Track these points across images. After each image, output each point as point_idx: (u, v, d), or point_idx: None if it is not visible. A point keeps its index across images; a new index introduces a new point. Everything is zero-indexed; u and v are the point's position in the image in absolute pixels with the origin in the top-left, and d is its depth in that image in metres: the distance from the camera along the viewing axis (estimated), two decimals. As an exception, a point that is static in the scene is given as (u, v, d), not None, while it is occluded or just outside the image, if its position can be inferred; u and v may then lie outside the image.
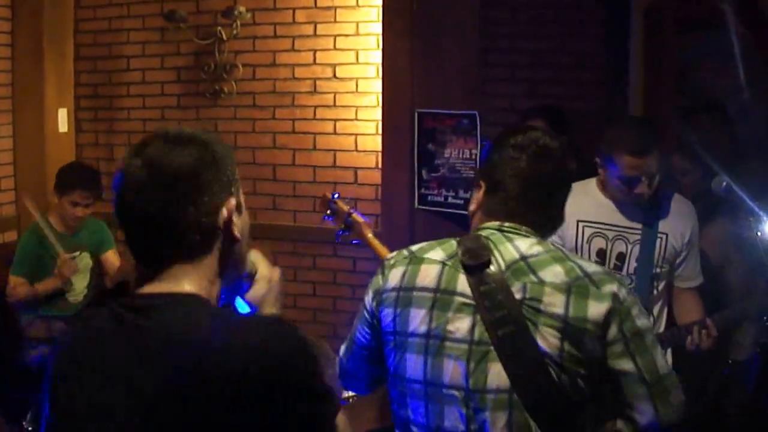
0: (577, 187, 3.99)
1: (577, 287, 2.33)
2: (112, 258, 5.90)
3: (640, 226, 3.93)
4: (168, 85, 6.84)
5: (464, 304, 2.38)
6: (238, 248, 1.95)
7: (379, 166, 6.19)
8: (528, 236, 2.47)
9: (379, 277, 2.59)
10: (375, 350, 2.61)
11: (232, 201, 1.89)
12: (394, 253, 2.64)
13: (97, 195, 5.62)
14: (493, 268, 2.38)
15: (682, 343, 3.80)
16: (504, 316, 2.30)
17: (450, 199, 5.69)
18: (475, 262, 2.39)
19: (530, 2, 5.77)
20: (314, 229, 6.41)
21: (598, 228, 3.96)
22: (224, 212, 1.87)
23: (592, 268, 2.42)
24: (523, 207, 2.49)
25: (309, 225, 6.46)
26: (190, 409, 1.69)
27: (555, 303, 2.30)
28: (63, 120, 6.88)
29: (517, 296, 2.33)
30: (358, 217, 3.58)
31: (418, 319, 2.43)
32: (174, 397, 1.70)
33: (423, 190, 5.82)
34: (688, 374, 3.85)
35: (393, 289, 2.51)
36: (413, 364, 2.42)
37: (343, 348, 2.78)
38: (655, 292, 3.95)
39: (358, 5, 6.25)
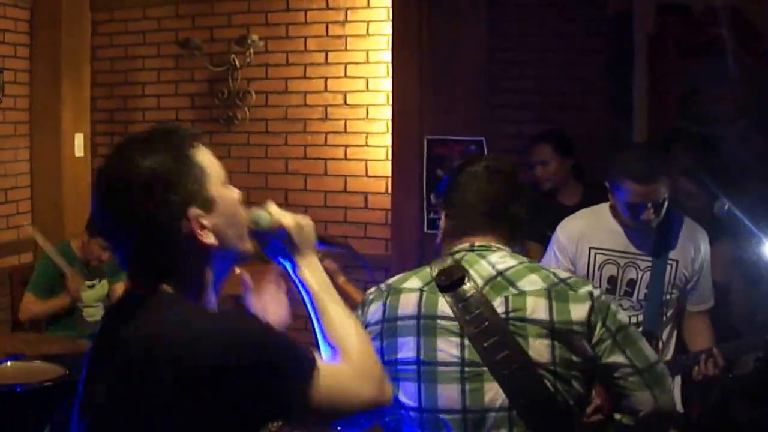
0: (589, 213, 4.11)
1: (556, 292, 2.39)
2: (119, 290, 5.89)
3: (651, 252, 3.91)
4: (182, 111, 6.96)
5: (448, 325, 2.41)
6: (219, 245, 1.90)
7: (389, 191, 6.26)
8: (498, 250, 2.53)
9: (359, 312, 2.58)
10: None
11: (193, 212, 1.84)
12: (373, 289, 2.65)
13: None
14: (469, 284, 2.42)
15: (689, 372, 3.77)
16: (487, 328, 2.34)
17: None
18: (450, 281, 2.44)
19: (536, 31, 5.85)
20: (325, 253, 6.46)
21: (610, 255, 3.95)
22: (187, 226, 1.84)
23: (564, 274, 2.51)
24: (484, 216, 2.56)
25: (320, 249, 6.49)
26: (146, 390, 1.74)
27: (539, 310, 2.35)
28: (79, 144, 6.97)
29: (500, 310, 2.37)
30: (329, 263, 3.43)
31: (406, 348, 2.45)
32: (131, 380, 1.76)
33: (432, 215, 5.90)
34: (689, 387, 3.92)
35: (376, 323, 2.53)
36: (406, 392, 2.43)
37: None
38: (664, 318, 3.94)
39: (368, 34, 6.36)
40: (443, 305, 2.44)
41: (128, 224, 1.84)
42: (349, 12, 6.42)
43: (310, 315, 2.13)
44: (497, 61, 5.89)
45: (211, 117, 6.83)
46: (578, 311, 2.37)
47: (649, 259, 3.92)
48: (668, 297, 3.93)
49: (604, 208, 4.03)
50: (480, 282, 2.44)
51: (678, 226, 3.98)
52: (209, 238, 1.86)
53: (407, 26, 5.99)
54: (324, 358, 2.01)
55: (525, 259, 2.55)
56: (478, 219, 2.57)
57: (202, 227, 1.85)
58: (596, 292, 2.43)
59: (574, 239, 4.02)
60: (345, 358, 2.01)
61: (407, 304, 2.50)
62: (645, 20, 5.56)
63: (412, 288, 2.53)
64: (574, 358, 2.35)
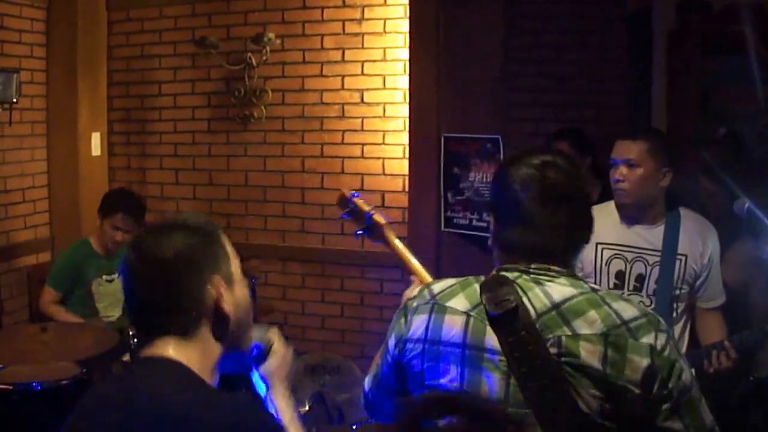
0: (596, 209, 4.05)
1: (615, 337, 2.14)
2: None
3: (659, 247, 3.90)
4: (199, 110, 6.95)
5: (495, 360, 2.20)
6: (233, 322, 2.04)
7: (406, 189, 6.26)
8: (557, 276, 2.26)
9: (402, 321, 2.42)
10: (401, 391, 2.46)
11: (217, 279, 2.01)
12: (416, 294, 2.46)
13: (139, 222, 5.66)
14: (522, 315, 2.18)
15: (701, 366, 3.73)
16: (536, 369, 2.14)
17: (474, 222, 5.76)
18: (501, 311, 2.20)
19: (553, 28, 5.82)
20: (342, 251, 6.50)
21: (617, 250, 3.95)
22: (212, 291, 1.99)
23: (628, 312, 2.20)
24: (544, 233, 2.26)
25: (337, 247, 6.55)
26: None
27: (592, 358, 2.12)
28: (96, 144, 6.98)
29: (552, 351, 2.15)
30: (379, 217, 3.40)
31: (448, 376, 2.26)
32: None
33: (449, 213, 5.89)
34: (708, 389, 3.86)
35: (418, 341, 2.34)
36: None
37: (368, 381, 2.65)
38: (675, 314, 3.91)
39: (385, 32, 6.34)
40: (491, 337, 2.22)
41: (158, 285, 1.99)
42: (365, 10, 6.41)
43: None
44: (514, 59, 5.86)
45: (228, 115, 6.83)
46: (634, 367, 2.12)
47: (658, 254, 3.90)
48: (678, 292, 3.91)
49: (611, 204, 4.04)
50: (533, 315, 2.19)
51: (686, 221, 3.96)
52: (228, 307, 2.02)
53: (424, 24, 5.97)
54: None
55: (587, 287, 2.28)
56: (534, 234, 2.28)
57: (224, 296, 2.02)
58: (660, 343, 2.16)
59: None
60: None
61: (452, 327, 2.28)
62: (664, 17, 5.51)
63: (458, 310, 2.30)
64: (623, 414, 2.13)
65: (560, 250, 2.30)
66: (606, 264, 3.96)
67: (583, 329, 2.15)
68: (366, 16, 6.41)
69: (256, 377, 2.33)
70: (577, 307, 2.19)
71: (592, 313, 2.18)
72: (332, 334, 6.64)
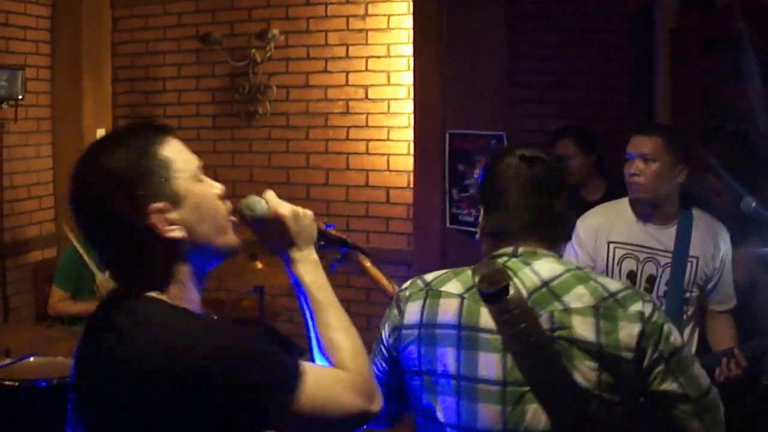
0: (608, 207, 4.08)
1: (605, 308, 2.20)
2: None
3: (671, 248, 3.86)
4: (203, 106, 6.97)
5: (490, 339, 2.23)
6: (189, 240, 1.86)
7: (411, 185, 6.27)
8: (544, 256, 2.33)
9: (395, 311, 2.43)
10: (393, 387, 2.43)
11: (158, 204, 1.81)
12: (408, 284, 2.48)
13: None
14: (513, 294, 2.24)
15: (711, 373, 3.73)
16: (532, 346, 2.18)
17: (479, 219, 5.77)
18: (494, 289, 2.25)
19: (557, 25, 5.84)
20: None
21: (629, 249, 3.91)
22: (150, 221, 1.81)
23: (614, 285, 2.28)
24: (527, 217, 2.35)
25: (342, 244, 6.53)
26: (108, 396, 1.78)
27: (585, 330, 2.18)
28: (101, 140, 6.98)
29: (545, 326, 2.19)
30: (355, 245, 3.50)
31: (445, 359, 2.28)
32: (97, 386, 1.81)
33: (454, 210, 5.92)
34: (721, 393, 3.87)
35: (413, 326, 2.36)
36: (446, 408, 2.28)
37: None
38: (684, 316, 3.87)
39: (389, 28, 6.37)
40: (485, 317, 2.25)
41: (96, 225, 1.85)
42: (369, 6, 6.44)
43: (304, 315, 2.07)
44: (518, 56, 5.89)
45: (233, 112, 6.85)
46: (627, 334, 2.18)
47: (669, 255, 3.87)
48: (689, 295, 3.87)
49: (623, 202, 4.00)
50: (524, 293, 2.25)
51: (698, 222, 3.93)
52: (176, 233, 1.83)
53: (428, 20, 6.01)
54: (316, 363, 1.98)
55: (573, 265, 2.38)
56: (520, 220, 2.35)
57: (168, 222, 1.83)
58: (647, 311, 2.23)
59: (592, 233, 3.98)
60: (337, 365, 1.97)
61: (447, 310, 2.32)
62: (667, 15, 5.53)
63: (452, 293, 2.34)
64: (620, 385, 2.19)
65: (545, 230, 2.38)
66: (618, 263, 3.92)
67: (574, 303, 2.22)
68: (370, 12, 6.43)
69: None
70: (565, 283, 2.27)
71: (581, 288, 2.25)
72: (338, 330, 6.65)
